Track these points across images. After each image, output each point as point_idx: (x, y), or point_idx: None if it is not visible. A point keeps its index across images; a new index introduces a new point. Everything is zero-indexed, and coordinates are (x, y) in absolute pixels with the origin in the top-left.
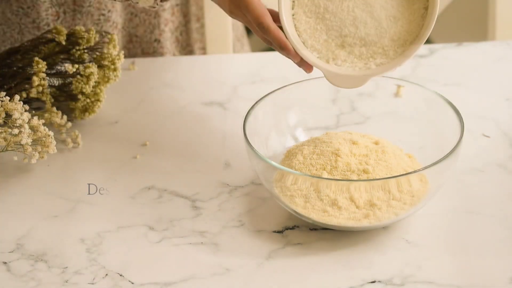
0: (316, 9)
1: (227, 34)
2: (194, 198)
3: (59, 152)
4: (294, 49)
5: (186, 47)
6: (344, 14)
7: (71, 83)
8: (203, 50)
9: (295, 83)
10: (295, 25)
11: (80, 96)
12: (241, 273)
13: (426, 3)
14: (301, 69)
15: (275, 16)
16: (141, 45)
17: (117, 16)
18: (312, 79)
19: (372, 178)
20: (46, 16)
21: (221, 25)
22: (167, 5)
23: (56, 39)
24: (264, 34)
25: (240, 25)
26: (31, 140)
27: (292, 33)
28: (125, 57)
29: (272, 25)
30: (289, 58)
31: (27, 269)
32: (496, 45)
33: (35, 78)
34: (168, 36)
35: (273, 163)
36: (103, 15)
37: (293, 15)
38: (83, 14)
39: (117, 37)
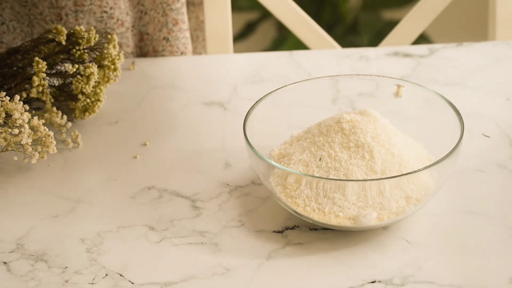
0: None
1: (227, 34)
2: (194, 198)
3: (59, 152)
4: None
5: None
6: None
7: (71, 83)
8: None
9: (295, 83)
10: None
11: (80, 96)
12: (241, 273)
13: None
14: (301, 69)
15: None
16: (152, 42)
17: (121, 13)
18: (312, 79)
19: (371, 179)
20: (49, 13)
21: (221, 25)
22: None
23: (56, 39)
24: None
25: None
26: (31, 140)
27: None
28: (137, 56)
29: None
30: None
31: (27, 269)
32: (496, 45)
33: (35, 78)
34: (180, 35)
35: (273, 163)
36: (106, 12)
37: None
38: (85, 13)
39: (128, 36)
